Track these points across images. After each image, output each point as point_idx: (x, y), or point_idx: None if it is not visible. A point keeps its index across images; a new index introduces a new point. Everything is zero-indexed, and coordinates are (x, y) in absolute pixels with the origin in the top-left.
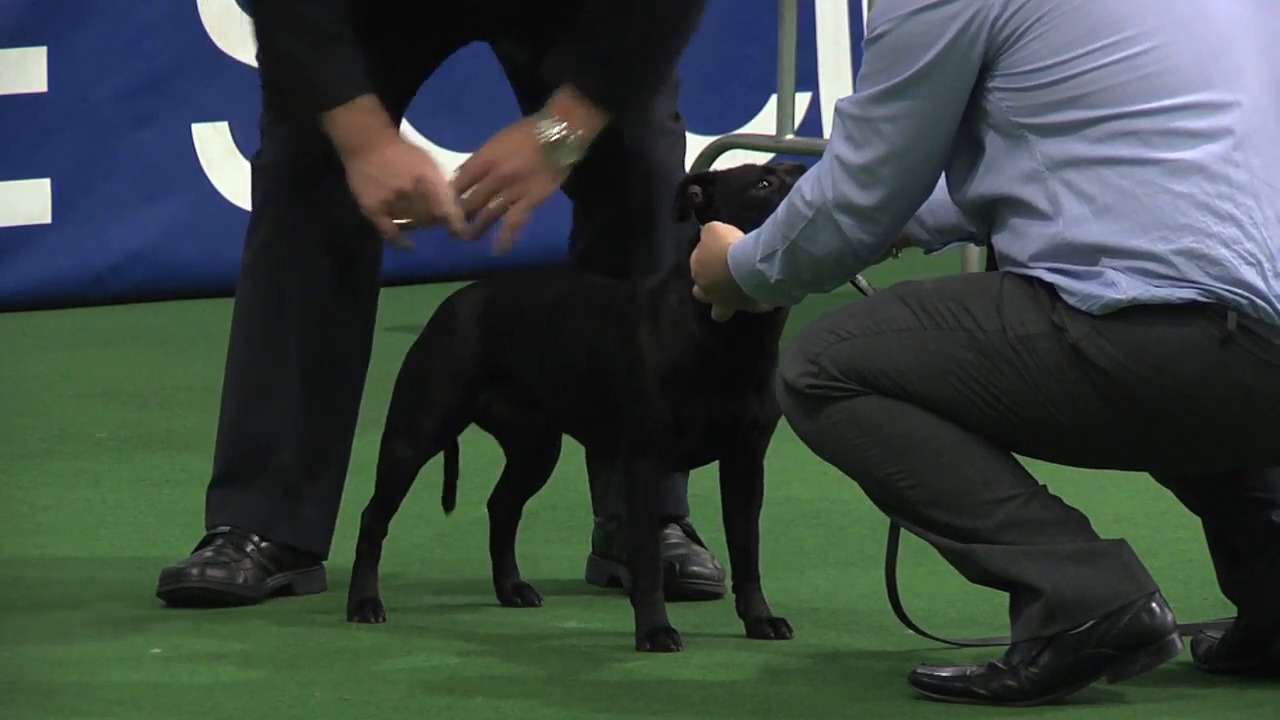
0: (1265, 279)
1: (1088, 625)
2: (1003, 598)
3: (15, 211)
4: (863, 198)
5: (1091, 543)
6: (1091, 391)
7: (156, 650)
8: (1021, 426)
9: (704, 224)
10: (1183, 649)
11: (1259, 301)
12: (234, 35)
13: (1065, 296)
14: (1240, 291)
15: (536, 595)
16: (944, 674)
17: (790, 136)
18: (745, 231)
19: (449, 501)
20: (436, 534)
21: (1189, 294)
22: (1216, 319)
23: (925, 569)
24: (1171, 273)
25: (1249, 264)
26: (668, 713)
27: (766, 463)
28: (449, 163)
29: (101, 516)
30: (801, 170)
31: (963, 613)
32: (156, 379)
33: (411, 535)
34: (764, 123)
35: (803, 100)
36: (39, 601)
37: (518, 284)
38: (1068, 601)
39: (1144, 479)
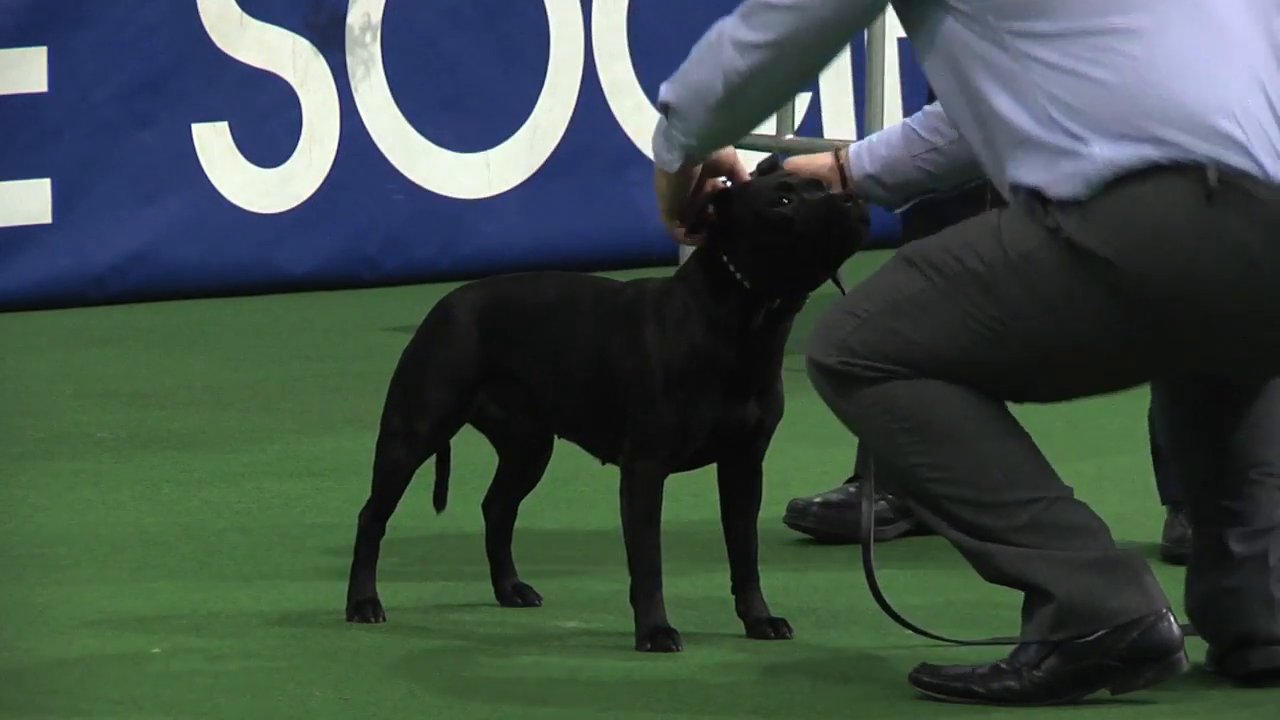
0: (1241, 127)
1: (1096, 635)
2: (1003, 599)
3: (15, 211)
4: (750, 34)
5: (1108, 553)
6: (1096, 287)
7: (156, 650)
8: (1044, 355)
9: (720, 241)
10: (1188, 667)
11: (1237, 155)
12: (234, 35)
13: (1050, 191)
14: (1217, 147)
15: (536, 595)
16: (945, 673)
17: (790, 136)
18: (763, 252)
19: (440, 501)
20: (436, 534)
21: (1165, 152)
22: (1197, 178)
23: (927, 569)
24: (1146, 135)
25: (1224, 118)
26: (668, 713)
27: (766, 463)
28: (449, 163)
29: (101, 516)
30: (818, 184)
31: (962, 613)
32: (156, 379)
33: (411, 535)
34: (764, 122)
35: (803, 100)
36: (38, 602)
37: (516, 285)
38: (1078, 609)
39: (1144, 479)
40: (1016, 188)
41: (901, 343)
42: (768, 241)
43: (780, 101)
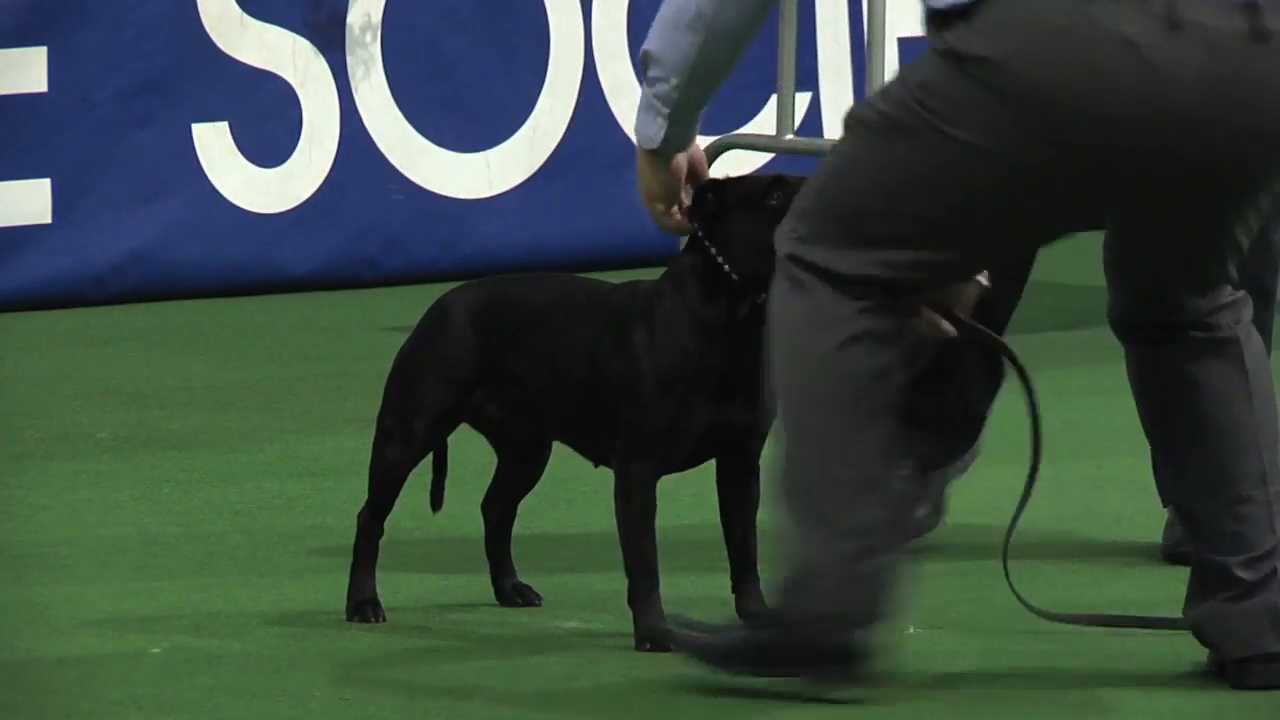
0: None
1: (779, 625)
2: (1001, 603)
3: (15, 211)
4: None
5: (825, 556)
6: (988, 97)
7: (156, 650)
8: (960, 193)
9: (711, 230)
10: (862, 679)
11: None
12: (234, 35)
13: (935, 3)
14: None
15: (536, 595)
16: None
17: (790, 136)
18: (753, 244)
19: (437, 501)
20: (436, 534)
21: None
22: None
23: (926, 568)
24: None
25: None
26: (668, 713)
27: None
28: (449, 163)
29: (101, 516)
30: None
31: (964, 612)
32: (156, 379)
33: (411, 535)
34: (764, 123)
35: (803, 100)
36: (38, 602)
37: (512, 286)
38: (778, 589)
39: (1144, 479)
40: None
41: (849, 208)
42: (758, 233)
43: (758, 14)
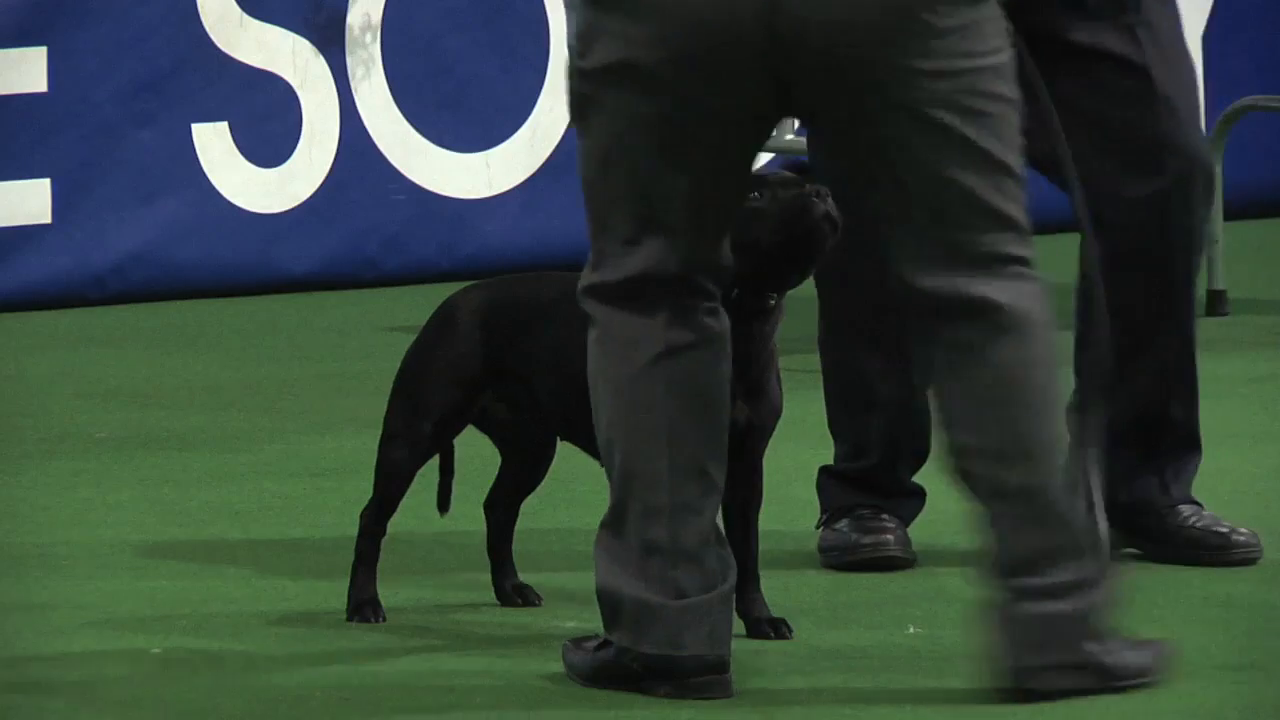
0: None
1: (616, 643)
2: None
3: (15, 211)
4: None
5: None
6: (614, 14)
7: (156, 650)
8: (655, 132)
9: None
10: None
11: None
12: (234, 35)
13: None
14: None
15: (536, 595)
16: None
17: (790, 136)
18: (742, 245)
19: (444, 503)
20: (437, 534)
21: None
22: None
23: (923, 569)
24: None
25: None
26: (668, 712)
27: (767, 463)
28: (449, 163)
29: (101, 516)
30: (795, 181)
31: (964, 612)
32: (156, 379)
33: (411, 535)
34: None
35: None
36: (39, 601)
37: (520, 286)
38: (603, 608)
39: None
40: None
41: (593, 213)
42: (736, 234)
43: None
